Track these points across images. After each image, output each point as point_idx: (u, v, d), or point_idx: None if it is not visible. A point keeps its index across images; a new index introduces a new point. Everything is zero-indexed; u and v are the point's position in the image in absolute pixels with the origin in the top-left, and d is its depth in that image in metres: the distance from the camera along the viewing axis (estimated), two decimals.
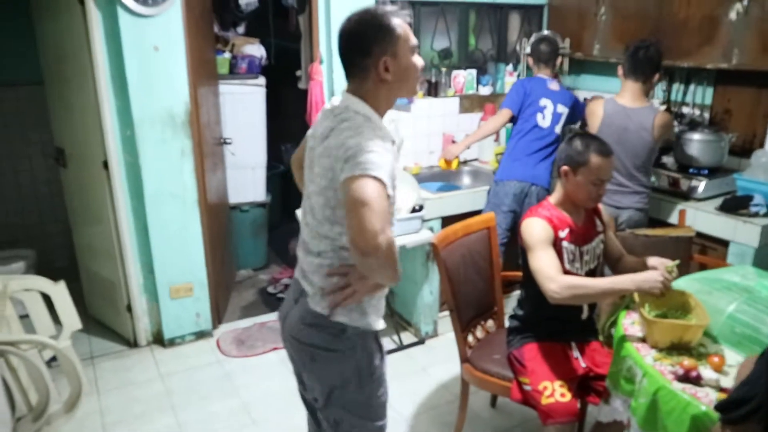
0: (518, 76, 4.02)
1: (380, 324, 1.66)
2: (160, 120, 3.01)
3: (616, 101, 2.95)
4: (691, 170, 3.10)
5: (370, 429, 1.68)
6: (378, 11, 1.48)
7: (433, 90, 3.77)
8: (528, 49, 3.66)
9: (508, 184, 3.25)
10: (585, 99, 3.89)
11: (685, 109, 3.46)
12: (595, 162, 2.02)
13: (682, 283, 2.01)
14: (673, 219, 3.00)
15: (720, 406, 1.33)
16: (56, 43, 3.17)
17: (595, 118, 2.98)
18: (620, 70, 2.97)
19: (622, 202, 2.92)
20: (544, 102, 3.32)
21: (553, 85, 3.37)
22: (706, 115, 3.36)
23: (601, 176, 2.03)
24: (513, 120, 3.39)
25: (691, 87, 3.41)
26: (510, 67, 4.00)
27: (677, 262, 1.96)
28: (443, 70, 3.75)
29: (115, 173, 3.05)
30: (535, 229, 2.06)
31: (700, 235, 2.84)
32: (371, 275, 1.45)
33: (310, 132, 1.66)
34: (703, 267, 2.74)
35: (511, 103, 3.38)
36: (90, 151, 3.11)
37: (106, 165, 3.03)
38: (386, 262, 1.36)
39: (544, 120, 3.32)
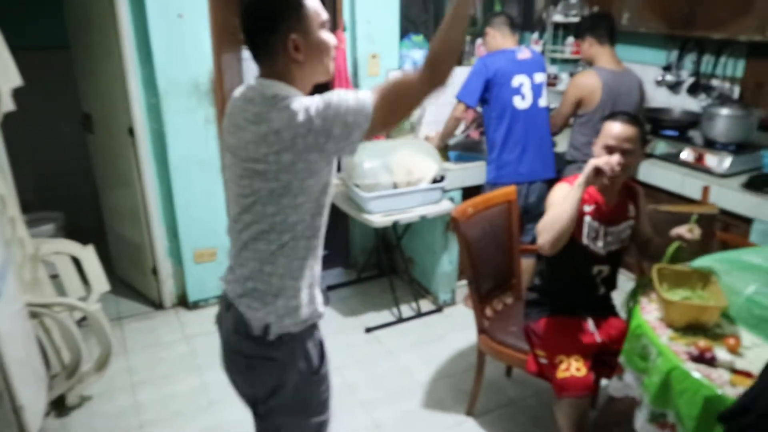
0: (544, 44, 3.95)
1: (318, 311, 1.54)
2: (184, 88, 3.04)
3: (604, 68, 3.02)
4: (717, 145, 3.05)
5: (311, 426, 1.58)
6: None
7: None
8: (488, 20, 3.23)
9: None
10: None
11: (715, 82, 3.39)
12: (605, 128, 2.04)
13: (701, 263, 2.01)
14: (696, 195, 2.97)
15: (723, 415, 1.32)
16: (82, 9, 3.18)
17: (595, 90, 2.99)
18: (588, 42, 3.08)
19: None
20: (519, 80, 2.98)
21: (523, 54, 3.03)
22: (736, 88, 3.29)
23: (608, 141, 2.01)
24: (485, 101, 3.06)
25: (722, 59, 3.33)
26: (536, 35, 3.93)
27: (696, 216, 2.03)
28: (468, 38, 3.70)
29: (141, 140, 3.09)
30: (557, 192, 2.07)
31: (723, 212, 2.81)
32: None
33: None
34: (724, 244, 2.72)
35: (467, 94, 3.02)
36: (116, 117, 3.16)
37: (131, 132, 3.08)
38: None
39: (524, 101, 3.01)
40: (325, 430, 1.63)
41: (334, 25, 3.46)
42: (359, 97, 1.30)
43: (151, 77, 3.00)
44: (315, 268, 1.53)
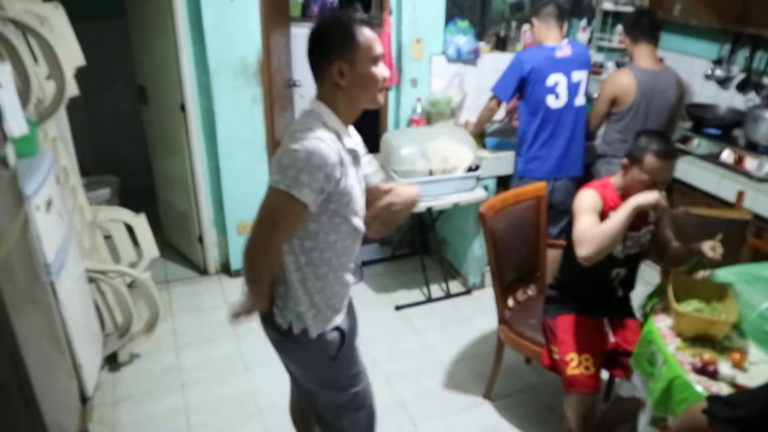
0: (592, 32, 3.91)
1: (332, 323, 1.67)
2: (233, 69, 3.17)
3: (641, 67, 3.02)
4: (759, 148, 3.01)
5: (343, 398, 1.76)
6: (344, 17, 1.49)
7: (501, 44, 3.73)
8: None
9: (531, 183, 2.87)
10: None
11: (766, 80, 3.31)
12: (649, 162, 1.98)
13: (723, 274, 2.05)
14: (732, 197, 2.95)
15: (712, 398, 1.41)
16: None
17: (629, 89, 2.99)
18: (627, 38, 3.08)
19: None
20: (554, 79, 2.97)
21: (563, 51, 2.98)
22: None
23: (654, 178, 2.00)
24: (521, 95, 3.08)
25: None
26: (584, 22, 3.87)
27: (720, 236, 2.04)
28: (513, 23, 3.70)
29: (192, 116, 3.26)
30: (586, 198, 2.11)
31: (757, 217, 2.80)
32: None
33: None
34: (756, 251, 2.72)
35: (501, 90, 3.08)
36: (169, 93, 3.33)
37: (183, 108, 3.25)
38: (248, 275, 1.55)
39: (557, 100, 3.01)
40: (359, 399, 1.80)
41: (381, 7, 3.51)
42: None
43: (203, 56, 3.14)
44: (336, 289, 1.67)
